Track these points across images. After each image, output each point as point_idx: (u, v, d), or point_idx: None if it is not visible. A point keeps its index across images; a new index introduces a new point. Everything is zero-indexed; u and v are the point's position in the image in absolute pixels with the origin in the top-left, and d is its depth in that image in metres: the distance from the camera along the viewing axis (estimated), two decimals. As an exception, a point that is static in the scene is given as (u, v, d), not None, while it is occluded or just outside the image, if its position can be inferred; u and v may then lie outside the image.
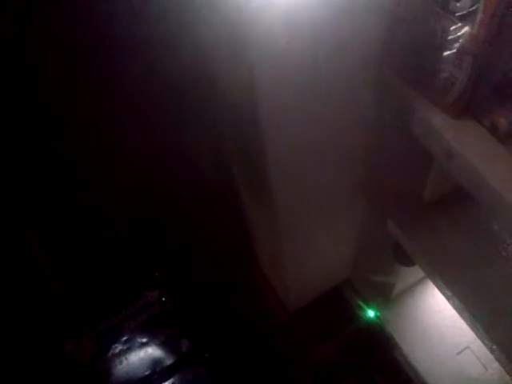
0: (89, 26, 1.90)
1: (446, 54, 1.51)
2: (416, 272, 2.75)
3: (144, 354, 2.72)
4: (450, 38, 1.47)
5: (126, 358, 2.72)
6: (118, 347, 2.74)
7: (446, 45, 1.50)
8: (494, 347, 2.02)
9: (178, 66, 2.04)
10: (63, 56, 2.03)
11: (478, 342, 2.14)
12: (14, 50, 1.94)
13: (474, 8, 1.36)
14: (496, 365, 2.22)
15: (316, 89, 1.73)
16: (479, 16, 1.36)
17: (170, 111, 2.37)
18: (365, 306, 3.52)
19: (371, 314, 3.48)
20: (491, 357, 2.10)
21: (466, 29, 1.42)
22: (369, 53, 1.75)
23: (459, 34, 1.44)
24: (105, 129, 2.37)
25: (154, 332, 2.76)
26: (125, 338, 2.76)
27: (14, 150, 2.35)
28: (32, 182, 2.52)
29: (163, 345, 2.74)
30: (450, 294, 2.14)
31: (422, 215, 2.27)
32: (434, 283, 2.27)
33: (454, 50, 1.48)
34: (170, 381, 2.69)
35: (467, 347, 3.15)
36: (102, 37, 1.95)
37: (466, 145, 1.60)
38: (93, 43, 1.97)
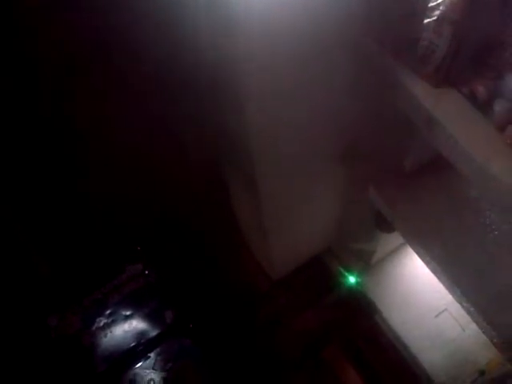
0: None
1: (426, 21, 1.50)
2: (396, 238, 2.79)
3: (129, 327, 2.74)
4: (430, 5, 1.46)
5: (111, 331, 2.74)
6: (103, 321, 2.76)
7: (427, 12, 1.48)
8: (472, 309, 2.08)
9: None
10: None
11: (456, 304, 2.20)
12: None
13: (454, -25, 1.35)
14: (473, 326, 2.29)
15: (297, 59, 1.71)
16: (459, -17, 1.35)
17: (158, 93, 2.35)
18: (346, 273, 3.58)
19: (352, 280, 3.54)
20: (469, 318, 2.16)
21: (446, -4, 1.41)
22: (348, 22, 1.72)
23: (439, 1, 1.43)
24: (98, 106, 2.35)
25: (138, 305, 2.78)
26: (109, 312, 2.77)
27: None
28: (15, 156, 2.47)
29: (147, 317, 2.76)
30: (428, 259, 2.18)
31: (403, 183, 2.29)
32: (413, 249, 2.31)
33: (435, 18, 1.47)
34: (155, 352, 2.73)
35: (445, 310, 3.24)
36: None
37: (445, 113, 1.60)
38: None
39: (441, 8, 1.43)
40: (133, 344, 2.75)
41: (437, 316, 3.25)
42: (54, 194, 2.72)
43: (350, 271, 3.56)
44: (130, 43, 2.02)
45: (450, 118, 1.59)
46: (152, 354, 2.73)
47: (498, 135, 1.52)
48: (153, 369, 2.70)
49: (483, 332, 2.12)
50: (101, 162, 2.67)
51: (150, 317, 2.78)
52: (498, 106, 1.50)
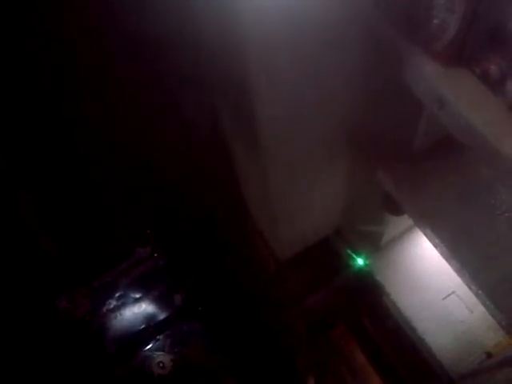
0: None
1: (438, -2, 1.47)
2: (404, 221, 2.78)
3: (138, 310, 2.76)
4: (442, -19, 1.43)
5: (121, 314, 2.76)
6: (112, 303, 2.78)
7: (439, -11, 1.45)
8: (480, 291, 2.07)
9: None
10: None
11: (464, 287, 2.19)
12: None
13: (467, -50, 1.32)
14: (481, 308, 2.28)
15: (309, 36, 1.69)
16: (472, -41, 1.32)
17: (159, 66, 2.33)
18: (354, 255, 3.58)
19: (360, 262, 3.54)
20: (476, 301, 2.15)
21: (458, -28, 1.38)
22: (358, 1, 1.70)
23: (452, -23, 1.39)
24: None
25: (147, 287, 2.80)
26: (118, 294, 2.79)
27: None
28: (24, 133, 2.48)
29: (157, 300, 2.78)
30: (437, 241, 2.17)
31: (412, 164, 2.27)
32: (422, 231, 2.30)
33: (447, -6, 1.44)
34: (165, 334, 2.75)
35: (453, 292, 3.23)
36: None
37: (456, 93, 1.58)
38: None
39: (453, -16, 1.40)
40: (142, 326, 2.77)
41: (444, 298, 3.24)
42: (65, 177, 2.73)
43: (359, 253, 3.56)
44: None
45: (461, 97, 1.57)
46: (161, 337, 2.76)
47: (510, 115, 1.49)
48: (162, 351, 2.73)
49: (491, 314, 2.11)
50: (110, 145, 2.67)
51: (159, 299, 2.80)
52: (511, 86, 1.47)
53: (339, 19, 1.69)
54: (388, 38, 1.73)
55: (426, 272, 3.32)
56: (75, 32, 2.18)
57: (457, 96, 1.57)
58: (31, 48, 2.17)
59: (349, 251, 3.61)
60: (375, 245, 3.38)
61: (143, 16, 2.05)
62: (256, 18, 1.53)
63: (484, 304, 2.10)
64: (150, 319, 2.78)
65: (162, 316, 2.78)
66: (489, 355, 3.08)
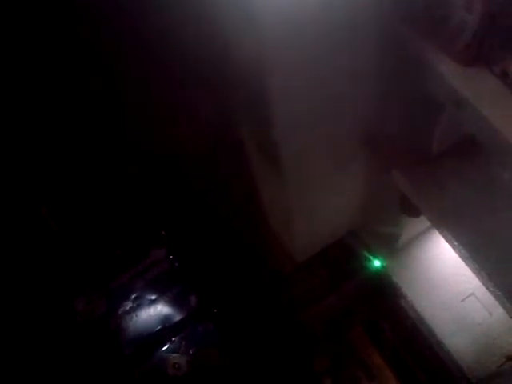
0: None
1: (456, -3, 1.45)
2: (422, 222, 2.75)
3: (153, 311, 2.77)
4: (460, -20, 1.40)
5: (137, 315, 2.77)
6: (128, 305, 2.79)
7: (457, -12, 1.43)
8: (499, 293, 2.04)
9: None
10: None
11: (483, 288, 2.15)
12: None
13: None
14: (500, 310, 2.25)
15: (325, 35, 1.67)
16: (492, -44, 1.29)
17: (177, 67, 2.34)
18: (371, 257, 3.55)
19: (377, 264, 3.51)
20: (496, 303, 2.12)
21: (477, -30, 1.35)
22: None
23: (471, -25, 1.37)
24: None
25: (162, 289, 2.81)
26: (134, 296, 2.80)
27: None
28: (42, 141, 2.51)
29: (172, 301, 2.79)
30: (455, 243, 2.14)
31: (430, 166, 2.24)
32: (440, 233, 2.26)
33: (465, -7, 1.42)
34: (180, 336, 2.76)
35: (472, 294, 3.19)
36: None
37: (475, 93, 1.55)
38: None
39: (472, -17, 1.37)
40: (158, 328, 2.78)
41: (463, 300, 3.20)
42: (80, 179, 2.75)
43: (375, 254, 3.53)
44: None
45: (481, 97, 1.54)
46: (176, 338, 2.76)
47: (530, 115, 1.47)
48: (178, 353, 2.74)
49: (510, 317, 2.08)
50: (124, 147, 2.68)
51: (174, 301, 2.81)
52: (532, 85, 1.45)
53: (356, 20, 1.68)
54: (406, 38, 1.71)
55: (444, 274, 3.28)
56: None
57: (476, 96, 1.54)
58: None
59: (365, 252, 3.58)
60: (392, 246, 3.35)
61: (157, 15, 2.06)
62: (271, 19, 1.52)
63: (503, 306, 2.07)
64: (165, 321, 2.79)
65: (177, 318, 2.79)
66: (508, 358, 3.04)
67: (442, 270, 3.28)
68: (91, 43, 2.16)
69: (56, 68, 2.24)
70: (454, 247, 2.19)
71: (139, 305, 2.80)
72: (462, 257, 2.18)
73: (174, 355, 2.74)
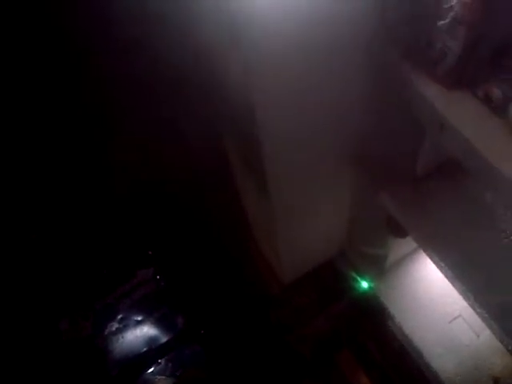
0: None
1: (440, 23, 1.48)
2: (409, 243, 2.76)
3: (140, 332, 2.75)
4: (444, 6, 1.44)
5: (123, 337, 2.74)
6: (114, 326, 2.76)
7: (441, 14, 1.46)
8: (486, 315, 2.04)
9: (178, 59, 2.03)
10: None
11: (470, 310, 2.16)
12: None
13: (468, -24, 1.33)
14: (487, 331, 2.25)
15: (309, 59, 1.70)
16: (473, -16, 1.33)
17: (168, 99, 2.36)
18: (358, 278, 3.55)
19: (365, 285, 3.51)
20: (483, 324, 2.12)
21: (460, -3, 1.39)
22: (361, 23, 1.71)
23: (453, 3, 1.41)
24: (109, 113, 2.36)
25: (149, 310, 2.79)
26: (120, 317, 2.77)
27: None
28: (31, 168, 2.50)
29: (158, 322, 2.76)
30: (442, 264, 2.15)
31: (415, 187, 2.26)
32: (426, 254, 2.28)
33: (449, 20, 1.45)
34: (166, 358, 2.72)
35: (459, 315, 3.19)
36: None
37: (459, 116, 1.58)
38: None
39: (455, 9, 1.41)
40: (144, 349, 2.75)
41: (450, 322, 3.20)
42: (66, 197, 2.74)
43: (363, 275, 3.53)
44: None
45: (464, 120, 1.57)
46: (163, 360, 2.74)
47: (513, 138, 1.49)
48: (164, 375, 2.70)
49: (498, 339, 2.08)
50: (108, 166, 2.68)
51: (160, 322, 2.78)
52: (513, 109, 1.48)
53: (343, 41, 1.71)
54: (390, 59, 1.75)
55: (431, 295, 3.28)
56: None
57: (459, 119, 1.57)
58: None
59: (353, 273, 3.58)
60: (380, 267, 3.35)
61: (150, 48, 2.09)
62: (260, 43, 1.54)
63: (490, 327, 2.07)
64: (151, 342, 2.76)
65: (163, 339, 2.76)
66: (496, 380, 3.03)
67: (429, 291, 3.28)
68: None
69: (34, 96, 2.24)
70: (440, 268, 2.20)
71: (125, 325, 2.78)
72: (448, 278, 2.19)
73: (161, 377, 2.70)
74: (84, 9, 1.96)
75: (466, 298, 2.13)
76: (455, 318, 3.20)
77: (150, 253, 2.91)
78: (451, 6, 1.41)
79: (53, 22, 2.02)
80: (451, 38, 1.48)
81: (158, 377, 2.69)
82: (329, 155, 2.37)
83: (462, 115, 1.58)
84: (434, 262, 2.22)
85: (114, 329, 2.76)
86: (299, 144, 2.14)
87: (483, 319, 2.09)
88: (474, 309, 2.11)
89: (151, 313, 2.80)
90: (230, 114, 2.31)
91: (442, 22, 1.47)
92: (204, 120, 2.58)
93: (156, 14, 1.87)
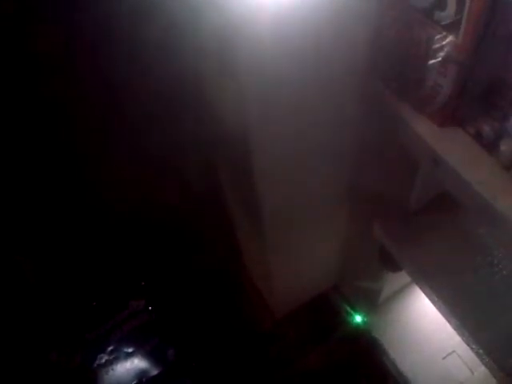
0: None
1: (430, 62, 1.52)
2: (402, 277, 2.76)
3: (130, 365, 2.70)
4: (434, 46, 1.48)
5: (113, 369, 2.69)
6: (104, 357, 2.71)
7: (431, 54, 1.51)
8: (481, 351, 2.03)
9: (169, 79, 2.05)
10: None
11: (464, 346, 2.15)
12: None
13: (458, 17, 1.38)
14: (482, 368, 2.23)
15: (303, 98, 1.74)
16: (463, 25, 1.37)
17: (159, 124, 2.38)
18: (352, 312, 3.52)
19: (358, 319, 3.48)
20: (477, 360, 2.11)
21: (450, 38, 1.43)
22: (354, 62, 1.76)
23: (444, 42, 1.45)
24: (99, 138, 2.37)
25: (140, 342, 2.74)
26: (111, 348, 2.73)
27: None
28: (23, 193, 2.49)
29: (149, 355, 2.72)
30: (436, 299, 2.15)
31: (409, 221, 2.28)
32: (420, 289, 2.28)
33: (439, 59, 1.49)
34: (157, 391, 2.68)
35: (453, 351, 3.16)
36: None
37: (451, 152, 1.61)
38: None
39: (445, 49, 1.45)
40: (134, 382, 2.70)
41: (445, 358, 3.17)
42: (57, 229, 2.73)
43: (356, 310, 3.51)
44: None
45: (456, 156, 1.60)
46: (153, 394, 2.68)
47: (504, 173, 1.52)
48: (154, 409, 2.65)
49: (493, 375, 2.07)
50: (103, 200, 2.68)
51: (151, 355, 2.74)
52: (504, 146, 1.51)
53: (336, 80, 1.75)
54: (382, 96, 1.79)
55: (425, 330, 3.26)
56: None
57: (451, 155, 1.60)
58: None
59: (347, 307, 3.56)
60: (373, 301, 3.34)
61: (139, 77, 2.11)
62: (254, 73, 1.57)
63: (484, 363, 2.06)
64: (142, 375, 2.71)
65: (154, 372, 2.71)
66: (491, 418, 2.99)
67: (423, 326, 3.26)
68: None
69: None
70: (433, 302, 2.20)
71: (116, 358, 2.73)
72: (442, 312, 2.19)
73: (150, 412, 2.65)
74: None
75: (459, 333, 2.13)
76: (449, 354, 3.17)
77: (143, 283, 2.88)
78: (442, 46, 1.46)
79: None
80: (442, 76, 1.52)
81: (148, 411, 2.64)
82: (320, 190, 2.39)
83: (454, 151, 1.61)
84: (428, 296, 2.22)
85: (103, 361, 2.71)
86: (293, 180, 2.17)
87: (477, 355, 2.07)
88: (468, 344, 2.10)
89: (142, 345, 2.75)
90: (222, 141, 2.33)
91: (433, 62, 1.51)
92: (198, 151, 2.60)
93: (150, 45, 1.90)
